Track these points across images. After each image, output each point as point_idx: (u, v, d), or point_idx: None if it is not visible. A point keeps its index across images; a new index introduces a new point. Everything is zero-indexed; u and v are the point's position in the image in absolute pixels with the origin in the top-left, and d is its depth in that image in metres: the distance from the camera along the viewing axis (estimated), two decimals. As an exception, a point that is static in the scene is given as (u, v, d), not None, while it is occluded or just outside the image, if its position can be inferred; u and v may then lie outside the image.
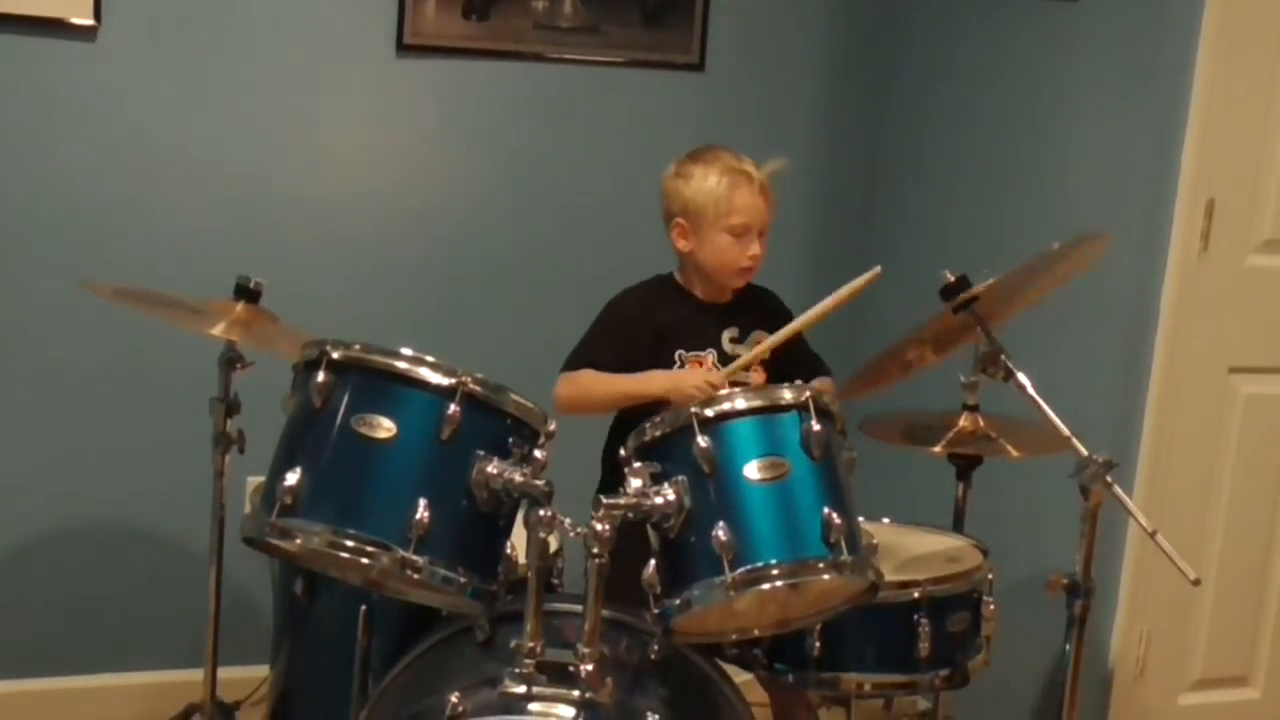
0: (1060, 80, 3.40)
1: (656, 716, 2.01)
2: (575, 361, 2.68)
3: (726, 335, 2.73)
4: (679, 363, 2.68)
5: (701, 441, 2.08)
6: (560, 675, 2.02)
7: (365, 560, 2.10)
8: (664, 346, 2.69)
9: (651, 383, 2.61)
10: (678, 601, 2.08)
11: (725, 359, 2.71)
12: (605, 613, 2.07)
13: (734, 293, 2.76)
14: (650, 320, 2.70)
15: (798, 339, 2.72)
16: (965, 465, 2.95)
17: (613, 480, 2.28)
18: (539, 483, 2.09)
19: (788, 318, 2.72)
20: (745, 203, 2.66)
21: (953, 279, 2.49)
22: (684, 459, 2.09)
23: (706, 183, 2.66)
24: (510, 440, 2.15)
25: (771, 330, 2.70)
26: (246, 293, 2.77)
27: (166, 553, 3.47)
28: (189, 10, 3.36)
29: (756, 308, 2.78)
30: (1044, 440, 2.49)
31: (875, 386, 2.78)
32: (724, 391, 2.43)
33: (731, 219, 2.66)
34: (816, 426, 2.11)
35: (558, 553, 2.54)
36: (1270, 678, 3.46)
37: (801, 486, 2.10)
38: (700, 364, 2.70)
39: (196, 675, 3.00)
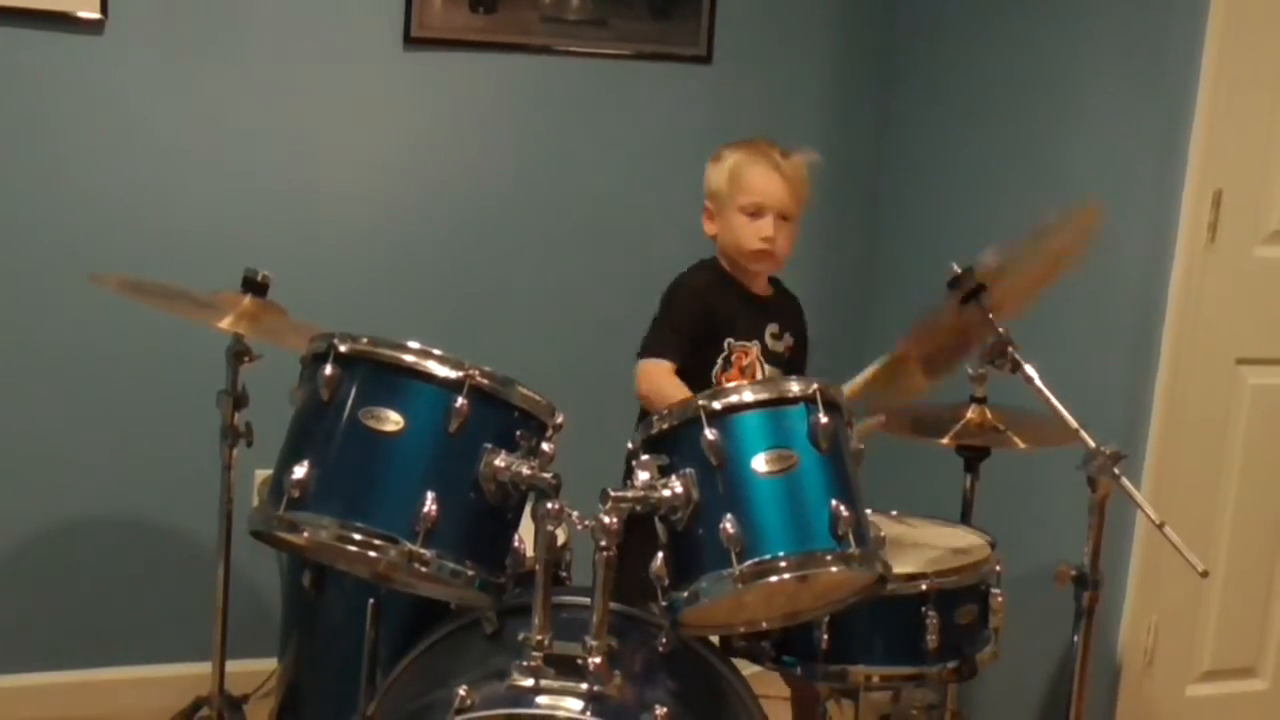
0: (1067, 72, 3.39)
1: (664, 709, 2.01)
2: (649, 352, 2.65)
3: (769, 330, 2.76)
4: (727, 350, 2.70)
5: (709, 434, 2.08)
6: (568, 668, 2.03)
7: (373, 553, 2.10)
8: (716, 334, 2.71)
9: None
10: (686, 594, 2.08)
11: (767, 353, 2.74)
12: (613, 605, 2.07)
13: (774, 290, 2.80)
14: (711, 311, 2.71)
15: (802, 359, 2.81)
16: (973, 457, 2.94)
17: None
18: (547, 475, 2.09)
19: (804, 329, 2.83)
20: (757, 183, 2.69)
21: (960, 271, 2.49)
22: (692, 451, 2.09)
23: (726, 163, 2.71)
24: (518, 433, 2.15)
25: (799, 334, 2.79)
26: (254, 286, 2.78)
27: (174, 546, 3.47)
28: (196, 4, 3.36)
29: (790, 311, 2.83)
30: (1052, 432, 2.48)
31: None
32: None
33: (743, 198, 2.69)
34: (824, 419, 2.10)
35: (565, 545, 2.54)
36: (1279, 669, 3.45)
37: (809, 479, 2.10)
38: (746, 354, 2.72)
39: (205, 668, 3.01)
